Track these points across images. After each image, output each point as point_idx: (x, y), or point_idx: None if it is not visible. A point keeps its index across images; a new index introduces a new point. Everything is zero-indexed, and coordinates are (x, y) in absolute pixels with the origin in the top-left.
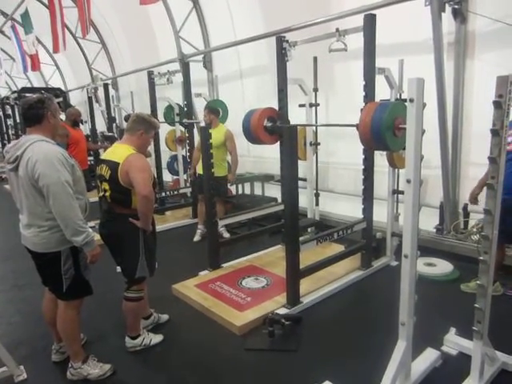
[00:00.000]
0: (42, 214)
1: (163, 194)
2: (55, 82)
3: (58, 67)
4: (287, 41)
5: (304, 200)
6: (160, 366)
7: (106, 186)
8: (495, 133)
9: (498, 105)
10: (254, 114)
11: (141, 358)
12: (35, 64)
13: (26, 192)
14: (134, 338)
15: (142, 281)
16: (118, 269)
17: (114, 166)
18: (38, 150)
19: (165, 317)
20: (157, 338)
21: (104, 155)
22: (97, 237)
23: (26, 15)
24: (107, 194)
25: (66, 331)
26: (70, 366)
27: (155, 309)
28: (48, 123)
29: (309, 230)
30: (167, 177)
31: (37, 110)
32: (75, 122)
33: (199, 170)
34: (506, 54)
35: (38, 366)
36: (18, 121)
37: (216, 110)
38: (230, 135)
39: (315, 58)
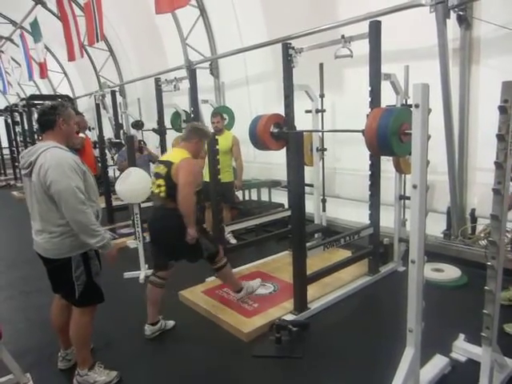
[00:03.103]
0: (53, 219)
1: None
2: (63, 90)
3: (66, 75)
4: (293, 47)
5: (311, 206)
6: (167, 372)
7: (161, 181)
8: (501, 138)
9: (503, 110)
10: (261, 120)
11: (147, 365)
12: (43, 72)
13: (38, 197)
14: (239, 292)
15: (217, 256)
16: (126, 275)
17: (169, 164)
18: (51, 156)
19: (171, 323)
20: (257, 287)
21: (162, 157)
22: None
23: (35, 24)
24: (162, 189)
25: (79, 337)
26: (76, 373)
27: (162, 315)
28: (60, 129)
29: (316, 235)
30: None
31: (49, 116)
32: (80, 128)
33: (205, 177)
34: (510, 59)
35: (45, 373)
36: (26, 128)
37: (224, 117)
38: (237, 141)
39: (321, 65)
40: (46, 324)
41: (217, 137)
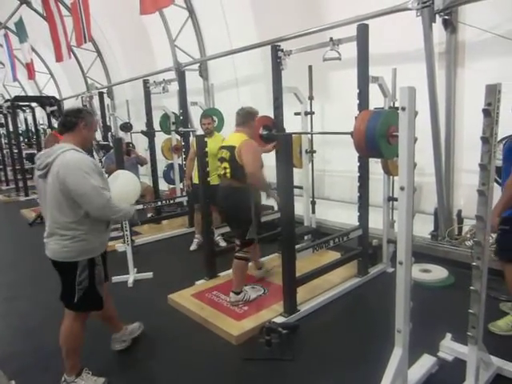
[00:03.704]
0: (65, 222)
1: (159, 204)
2: (50, 91)
3: (52, 75)
4: (282, 50)
5: (300, 208)
6: (155, 377)
7: (226, 165)
8: (485, 140)
9: (487, 113)
10: None
11: (135, 370)
12: (31, 73)
13: (52, 199)
14: (237, 294)
15: (251, 243)
16: (115, 279)
17: (231, 149)
18: (69, 158)
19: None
20: (254, 294)
21: (224, 143)
22: None
23: (20, 23)
24: (227, 171)
25: (69, 343)
26: (63, 379)
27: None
28: (80, 132)
29: (305, 237)
30: (163, 186)
31: (72, 117)
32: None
33: (194, 179)
34: (494, 63)
35: (30, 380)
36: (11, 129)
37: (214, 119)
38: None
39: (310, 67)
40: (29, 331)
41: (207, 139)
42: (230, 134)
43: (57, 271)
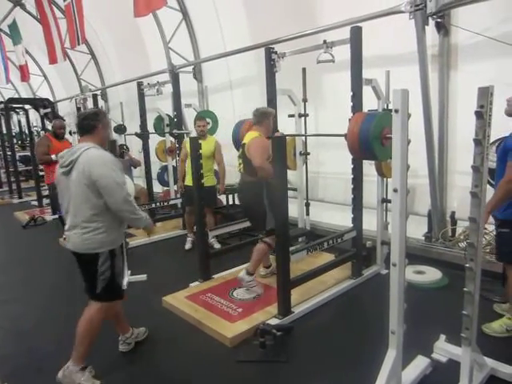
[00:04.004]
0: (87, 215)
1: (153, 206)
2: (43, 93)
3: (46, 78)
4: (276, 52)
5: (295, 210)
6: (148, 379)
7: (240, 161)
8: (478, 142)
9: (479, 115)
10: (244, 124)
11: (128, 372)
12: (25, 75)
13: (77, 194)
14: (251, 274)
15: (273, 233)
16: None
17: (243, 146)
18: (94, 154)
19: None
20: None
21: (244, 140)
22: None
23: (14, 26)
24: (241, 166)
25: (86, 332)
26: (66, 366)
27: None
28: (98, 134)
29: (300, 239)
30: (157, 188)
31: (90, 121)
32: (57, 134)
33: (187, 181)
34: (487, 65)
35: (22, 383)
36: (4, 132)
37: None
38: (219, 146)
39: (304, 69)
40: (21, 333)
41: (200, 141)
42: (247, 133)
43: (79, 264)
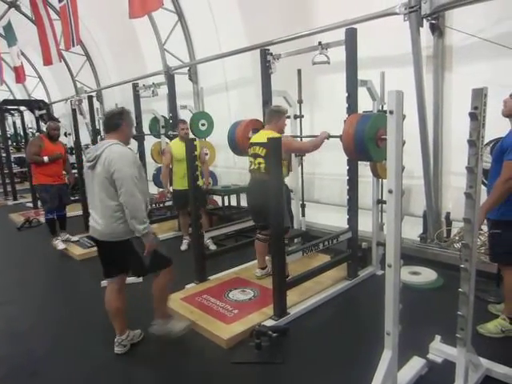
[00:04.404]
0: (111, 206)
1: (148, 207)
2: (38, 94)
3: (41, 79)
4: (271, 53)
5: None
6: (145, 381)
7: (260, 160)
8: (472, 143)
9: (473, 116)
10: (239, 125)
11: (123, 374)
12: (20, 76)
13: (100, 186)
14: (263, 269)
15: (287, 231)
16: (104, 283)
17: (266, 145)
18: (115, 150)
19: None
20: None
21: (253, 139)
22: None
23: (8, 27)
24: (262, 166)
25: (160, 296)
26: (155, 322)
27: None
28: (122, 131)
29: (295, 240)
30: (153, 189)
31: (115, 120)
32: (50, 135)
33: (176, 185)
34: (481, 67)
35: None
36: None
37: None
38: (202, 147)
39: (299, 71)
40: (16, 335)
41: (183, 144)
42: (260, 132)
43: (112, 254)
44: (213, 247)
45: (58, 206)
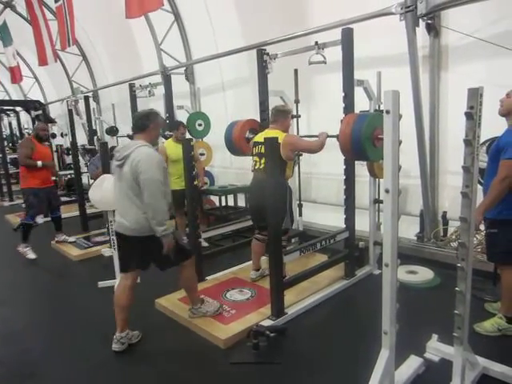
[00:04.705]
0: (138, 203)
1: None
2: (34, 95)
3: (37, 79)
4: (268, 53)
5: None
6: (142, 380)
7: (263, 160)
8: (468, 143)
9: (469, 116)
10: (236, 125)
11: (121, 375)
12: (16, 77)
13: (128, 184)
14: (257, 270)
15: (286, 232)
16: (101, 284)
17: (259, 144)
18: (143, 152)
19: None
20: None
21: (257, 138)
22: None
23: (4, 27)
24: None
25: (188, 285)
26: (190, 307)
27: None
28: (149, 132)
29: (292, 240)
30: None
31: (144, 121)
32: (39, 136)
33: (172, 185)
34: (477, 66)
35: None
36: None
37: None
38: (195, 148)
39: (296, 71)
40: (12, 336)
41: (179, 145)
42: (266, 131)
43: (137, 248)
44: (205, 244)
45: (45, 210)
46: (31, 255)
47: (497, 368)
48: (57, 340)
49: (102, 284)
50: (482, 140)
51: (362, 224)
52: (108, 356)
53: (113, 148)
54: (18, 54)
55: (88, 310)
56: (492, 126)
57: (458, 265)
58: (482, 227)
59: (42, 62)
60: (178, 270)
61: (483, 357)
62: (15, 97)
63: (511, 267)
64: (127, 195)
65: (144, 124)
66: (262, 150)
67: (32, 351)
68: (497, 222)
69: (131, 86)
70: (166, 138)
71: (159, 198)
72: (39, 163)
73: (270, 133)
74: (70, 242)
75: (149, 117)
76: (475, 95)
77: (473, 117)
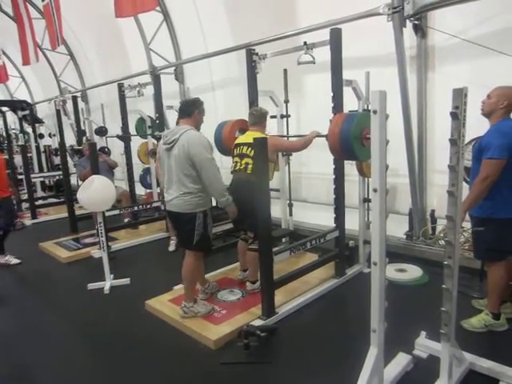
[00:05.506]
0: (187, 183)
1: (136, 208)
2: (21, 95)
3: (23, 79)
4: (257, 53)
5: (278, 210)
6: (134, 383)
7: (248, 160)
8: (453, 142)
9: (454, 116)
10: (226, 125)
11: (109, 378)
12: (2, 76)
13: (178, 165)
14: (253, 283)
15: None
16: (90, 286)
17: (242, 145)
18: (192, 135)
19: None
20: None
21: (240, 140)
22: None
23: None
24: (249, 166)
25: (190, 276)
26: (183, 305)
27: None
28: (195, 118)
29: (283, 240)
30: (140, 190)
31: (190, 107)
32: None
33: None
34: (463, 67)
35: None
36: None
37: None
38: None
39: (285, 70)
40: (4, 341)
41: None
42: (247, 133)
43: (176, 224)
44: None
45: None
46: (15, 260)
47: (483, 363)
48: (46, 343)
49: (91, 286)
50: (467, 139)
51: (352, 223)
52: (98, 359)
53: (102, 148)
54: (3, 53)
55: (77, 312)
56: (478, 126)
57: (445, 262)
58: (468, 225)
59: (26, 61)
60: (185, 260)
61: (470, 353)
62: (1, 96)
63: (497, 264)
64: (177, 175)
65: (191, 110)
66: (244, 151)
67: (23, 356)
68: (484, 220)
69: (120, 86)
70: (156, 138)
71: (216, 173)
72: None
73: (252, 134)
74: (59, 244)
75: (195, 103)
76: (460, 95)
77: (458, 116)
